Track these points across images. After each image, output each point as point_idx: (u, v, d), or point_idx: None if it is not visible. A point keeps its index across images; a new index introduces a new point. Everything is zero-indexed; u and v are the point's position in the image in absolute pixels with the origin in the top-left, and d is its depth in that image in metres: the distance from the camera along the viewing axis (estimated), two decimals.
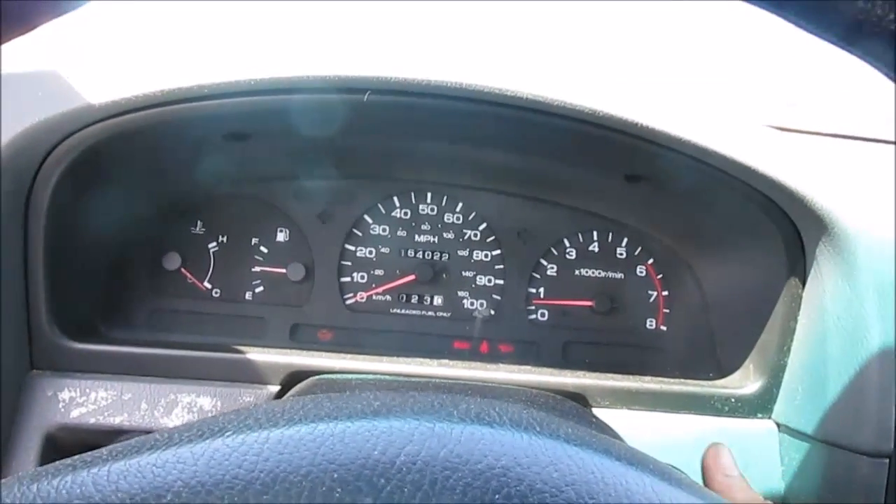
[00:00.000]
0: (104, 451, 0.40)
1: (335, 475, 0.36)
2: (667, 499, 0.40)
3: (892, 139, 1.12)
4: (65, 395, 1.07)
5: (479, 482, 0.37)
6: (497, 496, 0.36)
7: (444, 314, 1.36)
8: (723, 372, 1.24)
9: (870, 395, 1.00)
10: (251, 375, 1.13)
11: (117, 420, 1.07)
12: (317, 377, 1.10)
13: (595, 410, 1.15)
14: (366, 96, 0.95)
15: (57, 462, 0.40)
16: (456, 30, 1.20)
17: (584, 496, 0.37)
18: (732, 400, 1.16)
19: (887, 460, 1.00)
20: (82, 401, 1.07)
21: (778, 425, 1.15)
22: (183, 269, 1.33)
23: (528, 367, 1.22)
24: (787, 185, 1.00)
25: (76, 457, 0.40)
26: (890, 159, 1.09)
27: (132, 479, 0.36)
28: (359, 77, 0.95)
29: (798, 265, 1.10)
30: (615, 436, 0.99)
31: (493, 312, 1.36)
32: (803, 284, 1.10)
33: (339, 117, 1.04)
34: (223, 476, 0.36)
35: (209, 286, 1.34)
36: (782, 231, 1.10)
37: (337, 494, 0.35)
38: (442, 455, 0.38)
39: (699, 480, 1.08)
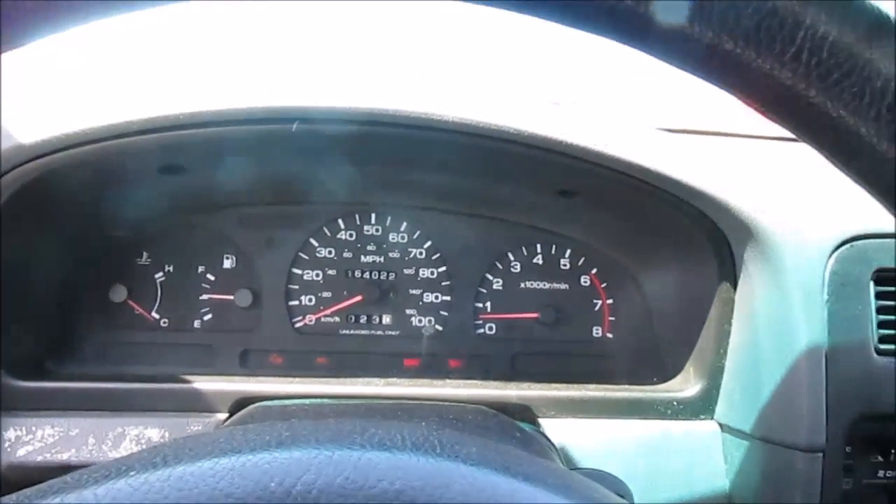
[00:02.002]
0: (12, 497, 0.42)
1: None
2: None
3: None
4: (10, 434, 1.07)
5: None
6: None
7: (393, 333, 1.38)
8: (667, 376, 1.27)
9: (801, 392, 1.03)
10: (199, 404, 1.14)
11: (64, 456, 1.07)
12: (255, 405, 1.10)
13: (542, 421, 1.17)
14: (294, 126, 0.96)
15: None
16: (382, 58, 1.22)
17: None
18: (675, 403, 1.19)
19: (821, 454, 1.03)
20: (28, 439, 1.07)
21: (720, 425, 1.18)
22: (130, 301, 1.33)
23: (476, 382, 1.24)
24: (712, 195, 1.04)
25: None
26: (806, 158, 1.12)
27: None
28: (282, 107, 0.96)
29: (728, 270, 1.14)
30: (541, 448, 1.01)
31: (440, 329, 1.38)
32: (735, 288, 1.14)
33: (271, 147, 1.06)
34: None
35: (157, 316, 1.34)
36: (711, 238, 1.13)
37: None
38: (338, 482, 0.40)
39: (645, 483, 1.12)
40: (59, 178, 1.04)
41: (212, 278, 1.35)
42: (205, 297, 1.35)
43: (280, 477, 0.40)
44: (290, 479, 0.40)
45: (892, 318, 1.07)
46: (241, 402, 1.13)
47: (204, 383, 1.16)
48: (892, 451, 1.09)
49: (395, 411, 1.05)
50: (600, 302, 1.40)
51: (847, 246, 1.06)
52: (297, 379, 1.21)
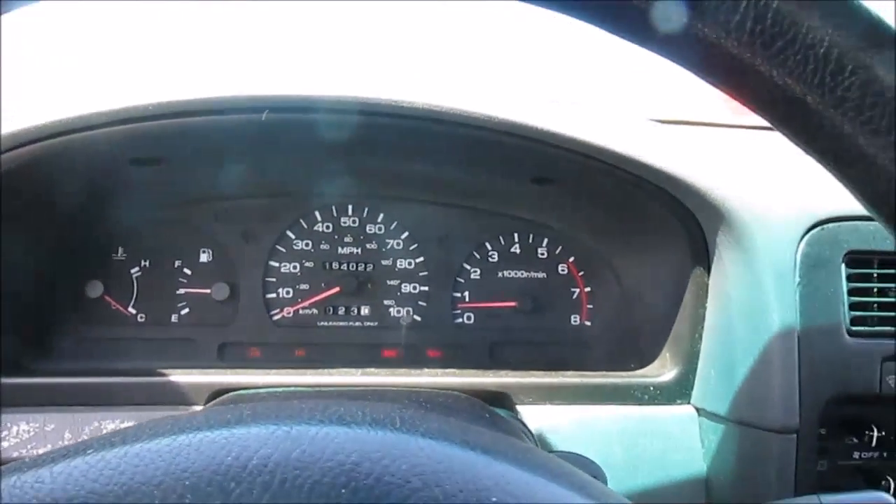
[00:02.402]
0: None
1: (187, 482, 0.38)
2: (516, 481, 0.42)
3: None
4: None
5: (328, 479, 0.38)
6: (344, 490, 0.38)
7: (372, 323, 1.38)
8: (644, 362, 1.28)
9: (774, 374, 1.04)
10: (177, 397, 1.14)
11: (40, 451, 1.06)
12: (229, 394, 1.10)
13: (520, 408, 1.18)
14: (264, 115, 0.96)
15: None
16: (353, 46, 1.22)
17: (431, 484, 0.39)
18: (652, 388, 1.20)
19: (794, 435, 1.04)
20: (3, 435, 1.07)
21: (697, 409, 1.19)
22: (106, 297, 1.32)
23: (454, 370, 1.24)
24: (683, 179, 1.05)
25: None
26: (777, 146, 1.13)
27: None
28: (252, 97, 0.96)
29: (702, 255, 1.15)
30: (510, 430, 1.01)
31: (419, 319, 1.38)
32: (708, 273, 1.15)
33: (246, 140, 1.06)
34: (78, 492, 0.37)
35: (134, 311, 1.33)
36: (685, 224, 1.14)
37: (188, 500, 0.37)
38: (294, 456, 0.40)
39: (623, 467, 1.12)
40: (30, 172, 1.03)
41: (188, 272, 1.35)
42: (182, 291, 1.35)
43: (237, 451, 0.40)
44: (246, 453, 0.40)
45: (864, 299, 1.09)
46: (218, 394, 1.13)
47: (180, 376, 1.15)
48: (866, 432, 1.10)
49: (366, 396, 1.06)
50: (578, 290, 1.41)
51: (818, 229, 1.07)
52: (275, 371, 1.21)
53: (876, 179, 0.41)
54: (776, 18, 0.37)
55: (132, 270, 1.34)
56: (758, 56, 0.38)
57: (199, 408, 1.13)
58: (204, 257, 1.36)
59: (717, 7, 0.37)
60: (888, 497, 0.67)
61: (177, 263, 1.35)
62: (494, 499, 0.39)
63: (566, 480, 0.45)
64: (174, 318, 1.34)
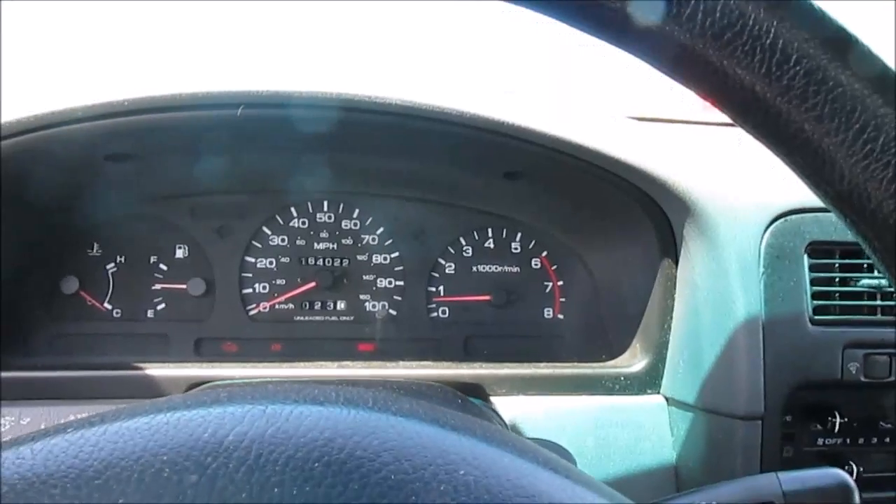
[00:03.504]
0: None
1: (164, 458, 0.39)
2: (483, 455, 0.44)
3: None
4: None
5: (301, 453, 0.40)
6: (317, 464, 0.39)
7: (348, 318, 1.39)
8: (614, 353, 1.30)
9: (740, 363, 1.07)
10: (152, 391, 1.14)
11: (28, 433, 1.07)
12: (205, 385, 1.11)
13: (493, 399, 1.20)
14: (239, 111, 0.97)
15: None
16: (327, 43, 1.23)
17: (401, 459, 0.41)
18: (622, 378, 1.22)
19: (760, 422, 1.07)
20: None
21: (666, 399, 1.22)
22: (82, 292, 1.32)
23: (428, 363, 1.26)
24: (648, 171, 1.07)
25: None
26: (742, 140, 1.16)
27: None
28: (228, 92, 0.97)
29: (670, 247, 1.17)
30: (482, 416, 1.03)
31: (394, 313, 1.39)
32: (676, 265, 1.18)
33: (220, 136, 1.06)
34: (58, 467, 0.39)
35: (109, 307, 1.34)
36: (653, 217, 1.16)
37: (165, 474, 0.38)
38: (269, 433, 0.41)
39: (594, 456, 1.15)
40: (3, 168, 1.03)
41: (164, 268, 1.35)
42: (157, 286, 1.35)
43: (213, 428, 0.41)
44: (222, 430, 0.41)
45: (825, 289, 1.12)
46: (194, 387, 1.13)
47: (156, 370, 1.16)
48: (830, 418, 1.13)
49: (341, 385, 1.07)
50: (551, 284, 1.43)
51: (781, 220, 1.10)
52: (251, 365, 1.22)
53: (822, 165, 0.43)
54: (724, 11, 0.39)
55: (108, 266, 1.34)
56: (709, 47, 0.40)
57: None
58: (180, 253, 1.36)
59: (670, 1, 0.39)
60: (844, 473, 0.70)
61: (152, 259, 1.35)
62: (462, 471, 0.41)
63: (533, 456, 0.47)
64: (150, 313, 1.35)
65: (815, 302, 1.10)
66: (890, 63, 0.41)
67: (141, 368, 1.16)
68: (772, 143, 0.44)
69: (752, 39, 0.39)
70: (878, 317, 1.13)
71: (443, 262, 1.42)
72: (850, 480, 0.70)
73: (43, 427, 1.00)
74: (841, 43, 0.40)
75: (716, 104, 0.45)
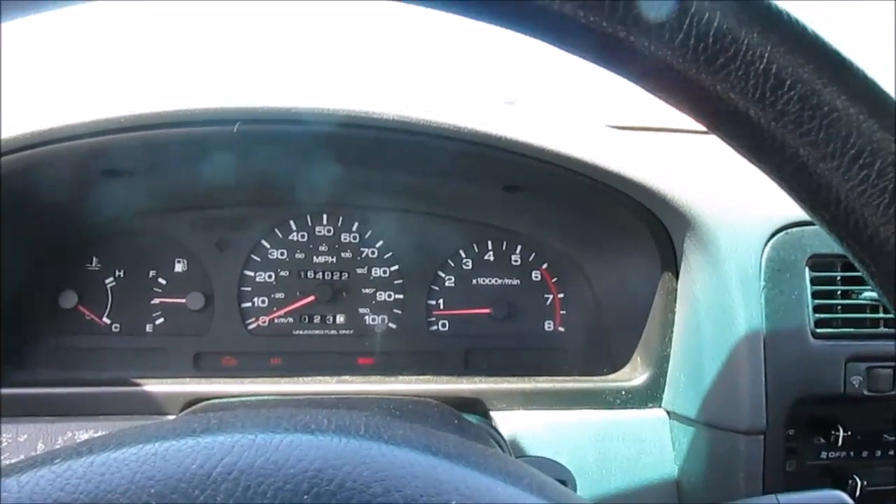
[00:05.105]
0: None
1: (152, 490, 0.38)
2: (476, 484, 0.43)
3: None
4: None
5: (290, 485, 0.39)
6: (306, 496, 0.39)
7: (347, 332, 1.38)
8: (615, 367, 1.30)
9: (741, 377, 1.06)
10: (151, 407, 1.14)
11: (13, 462, 1.06)
12: (202, 403, 1.11)
13: (493, 413, 1.19)
14: (235, 128, 0.97)
15: None
16: (324, 57, 1.23)
17: (392, 490, 0.40)
18: (623, 392, 1.22)
19: (762, 436, 1.06)
20: None
21: (668, 413, 1.21)
22: (80, 307, 1.32)
23: (429, 377, 1.25)
24: (648, 185, 1.06)
25: None
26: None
27: None
28: (225, 108, 0.97)
29: (670, 260, 1.17)
30: (479, 435, 1.02)
31: (394, 327, 1.39)
32: (677, 278, 1.17)
33: (218, 151, 1.06)
34: (44, 500, 0.38)
35: (108, 321, 1.33)
36: (653, 230, 1.16)
37: None
38: (258, 463, 0.41)
39: (596, 471, 1.14)
40: (2, 184, 1.03)
41: (163, 282, 1.35)
42: (156, 301, 1.35)
43: (201, 459, 0.41)
44: (211, 461, 0.40)
45: (827, 302, 1.11)
46: (193, 403, 1.13)
47: (154, 386, 1.16)
48: (833, 432, 1.12)
49: (337, 404, 1.07)
50: (552, 296, 1.42)
51: (782, 233, 1.10)
52: (250, 380, 1.22)
53: (818, 190, 0.43)
54: (717, 36, 0.39)
55: (106, 280, 1.34)
56: (702, 72, 0.40)
57: (172, 417, 1.13)
58: (178, 267, 1.36)
59: (662, 26, 0.39)
60: (844, 496, 0.69)
61: (151, 273, 1.35)
62: (454, 502, 0.41)
63: (527, 483, 0.47)
64: (149, 327, 1.34)
65: (816, 315, 1.09)
66: (887, 87, 0.40)
67: (140, 384, 1.16)
68: (767, 166, 0.44)
69: (746, 64, 0.39)
70: (881, 329, 1.12)
71: (443, 274, 1.41)
72: (850, 502, 0.69)
73: (39, 445, 1.00)
74: (836, 67, 0.40)
75: (710, 128, 0.45)
